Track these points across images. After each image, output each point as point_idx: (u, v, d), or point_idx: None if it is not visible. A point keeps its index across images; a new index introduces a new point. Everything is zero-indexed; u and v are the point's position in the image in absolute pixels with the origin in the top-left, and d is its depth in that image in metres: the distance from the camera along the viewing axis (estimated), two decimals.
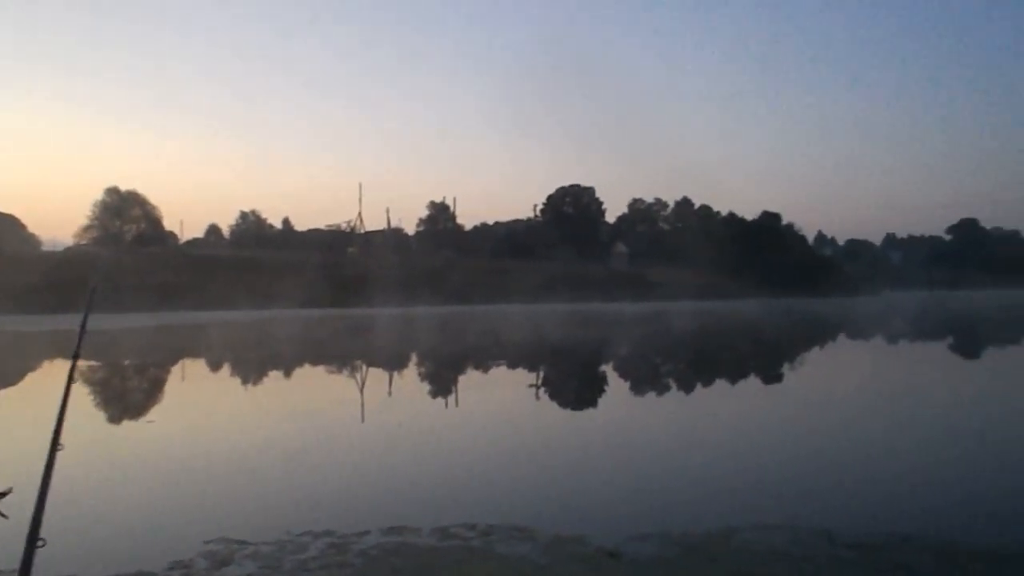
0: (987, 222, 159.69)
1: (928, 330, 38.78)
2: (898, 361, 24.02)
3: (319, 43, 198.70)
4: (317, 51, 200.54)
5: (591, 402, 15.81)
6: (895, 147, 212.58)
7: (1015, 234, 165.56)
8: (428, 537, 6.28)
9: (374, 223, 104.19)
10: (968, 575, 5.36)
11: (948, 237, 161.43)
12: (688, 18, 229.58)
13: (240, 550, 6.01)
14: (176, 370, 22.77)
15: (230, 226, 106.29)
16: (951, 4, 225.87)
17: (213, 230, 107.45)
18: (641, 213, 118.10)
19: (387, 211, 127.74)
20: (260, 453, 10.01)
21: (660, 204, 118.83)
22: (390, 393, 16.83)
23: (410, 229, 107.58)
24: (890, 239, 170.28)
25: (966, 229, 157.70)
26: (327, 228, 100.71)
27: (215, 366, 23.38)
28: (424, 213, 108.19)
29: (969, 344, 30.26)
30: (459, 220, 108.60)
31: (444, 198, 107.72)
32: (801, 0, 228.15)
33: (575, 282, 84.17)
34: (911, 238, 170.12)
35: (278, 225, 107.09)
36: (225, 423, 12.87)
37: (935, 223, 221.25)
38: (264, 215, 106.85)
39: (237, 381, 19.79)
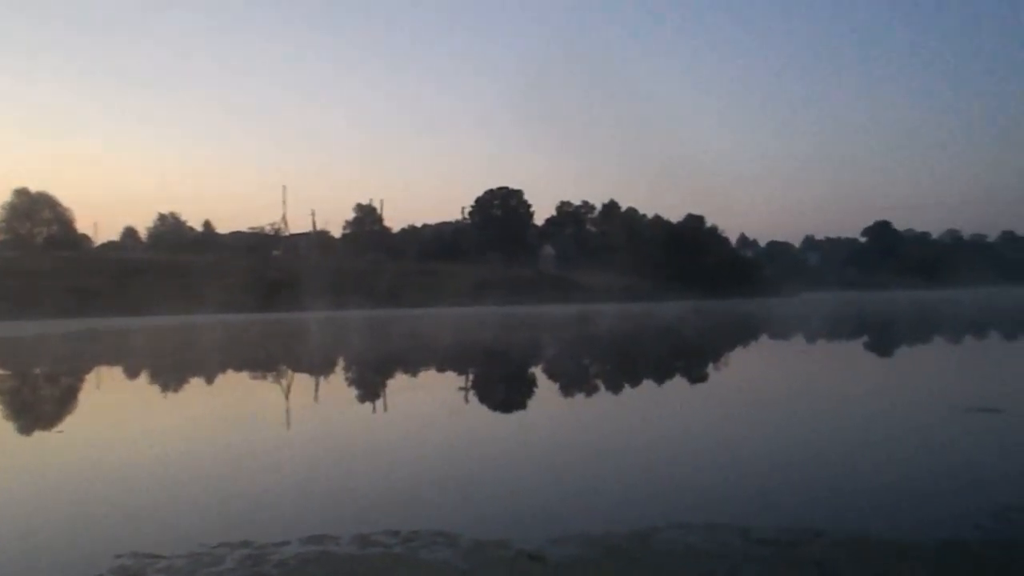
0: (900, 224, 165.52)
1: (843, 330, 39.96)
2: (813, 360, 24.67)
3: (237, 40, 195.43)
4: (236, 49, 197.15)
5: (517, 405, 15.84)
6: (812, 151, 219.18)
7: (926, 236, 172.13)
8: (349, 545, 6.19)
9: (299, 226, 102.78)
10: (877, 567, 5.52)
11: (863, 239, 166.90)
12: (610, 19, 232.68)
13: (153, 564, 5.83)
14: (90, 378, 22.03)
15: (148, 228, 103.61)
16: (859, 8, 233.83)
17: (130, 233, 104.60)
18: (569, 216, 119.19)
19: (312, 213, 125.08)
20: (175, 463, 9.74)
21: (587, 207, 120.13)
22: (316, 399, 16.57)
23: (336, 231, 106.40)
24: (808, 241, 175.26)
25: (880, 231, 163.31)
26: (250, 231, 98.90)
27: (132, 373, 22.69)
28: (351, 215, 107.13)
29: (881, 343, 31.27)
30: (386, 222, 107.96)
31: (371, 200, 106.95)
32: (719, 6, 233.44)
33: (504, 285, 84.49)
34: (828, 240, 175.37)
35: (198, 228, 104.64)
36: (139, 432, 12.48)
37: (851, 225, 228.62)
38: (184, 217, 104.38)
39: (154, 389, 19.24)
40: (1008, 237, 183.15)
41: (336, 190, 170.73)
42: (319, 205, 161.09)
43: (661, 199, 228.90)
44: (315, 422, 13.35)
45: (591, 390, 17.47)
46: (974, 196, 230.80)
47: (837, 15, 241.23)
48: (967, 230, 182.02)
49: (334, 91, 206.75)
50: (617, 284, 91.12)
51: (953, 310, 58.09)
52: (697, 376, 20.07)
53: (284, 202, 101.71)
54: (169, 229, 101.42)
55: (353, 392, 18.17)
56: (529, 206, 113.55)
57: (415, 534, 6.39)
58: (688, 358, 25.66)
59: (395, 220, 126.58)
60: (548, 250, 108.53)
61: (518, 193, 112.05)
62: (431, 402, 15.34)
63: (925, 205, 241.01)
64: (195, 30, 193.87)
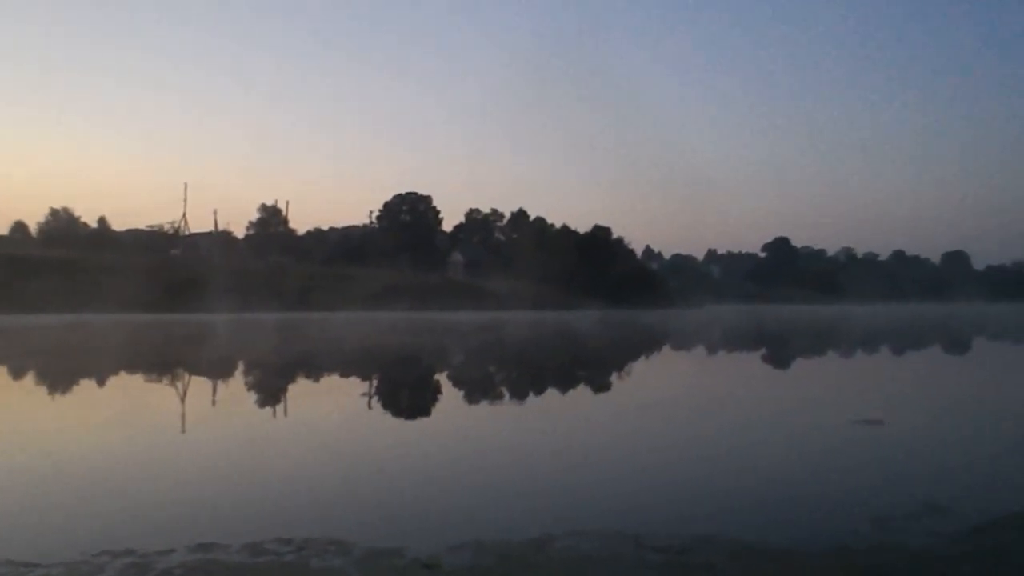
0: (797, 241, 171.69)
1: (740, 342, 41.16)
2: (710, 371, 25.32)
3: (136, 31, 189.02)
4: (135, 41, 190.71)
5: (419, 412, 15.76)
6: (714, 165, 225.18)
7: (822, 253, 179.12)
8: (238, 554, 6.03)
9: (200, 225, 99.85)
10: (761, 573, 5.69)
11: (763, 254, 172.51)
12: (518, 27, 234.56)
13: (27, 573, 5.57)
14: None
15: (39, 224, 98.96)
16: (748, 29, 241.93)
17: (19, 227, 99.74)
18: (478, 223, 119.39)
19: (214, 213, 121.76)
20: (56, 468, 9.32)
21: (496, 215, 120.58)
22: (213, 403, 16.12)
23: (239, 232, 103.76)
24: (711, 254, 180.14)
25: (779, 247, 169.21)
26: (148, 229, 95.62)
27: (16, 374, 21.65)
28: (254, 216, 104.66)
29: (775, 355, 32.32)
30: (291, 224, 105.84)
31: (276, 201, 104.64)
32: (623, 22, 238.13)
33: (413, 290, 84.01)
34: (730, 254, 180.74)
35: (93, 224, 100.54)
36: (17, 436, 11.90)
37: (751, 241, 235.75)
38: (78, 213, 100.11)
39: (37, 391, 18.40)
40: (898, 256, 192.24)
41: (239, 190, 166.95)
42: (221, 205, 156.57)
43: (569, 209, 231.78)
44: (209, 427, 12.99)
45: (493, 398, 17.50)
46: (868, 216, 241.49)
47: (731, 34, 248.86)
48: (861, 248, 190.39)
49: (236, 88, 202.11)
50: (526, 292, 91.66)
51: (845, 325, 60.51)
52: (598, 385, 20.34)
53: (185, 200, 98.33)
54: (62, 225, 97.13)
55: (252, 396, 17.72)
56: (438, 212, 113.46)
57: (308, 542, 6.28)
58: (591, 367, 26.00)
59: (300, 222, 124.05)
60: (457, 256, 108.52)
61: (427, 199, 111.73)
62: (332, 408, 15.12)
63: (822, 223, 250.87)
64: (90, 16, 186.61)
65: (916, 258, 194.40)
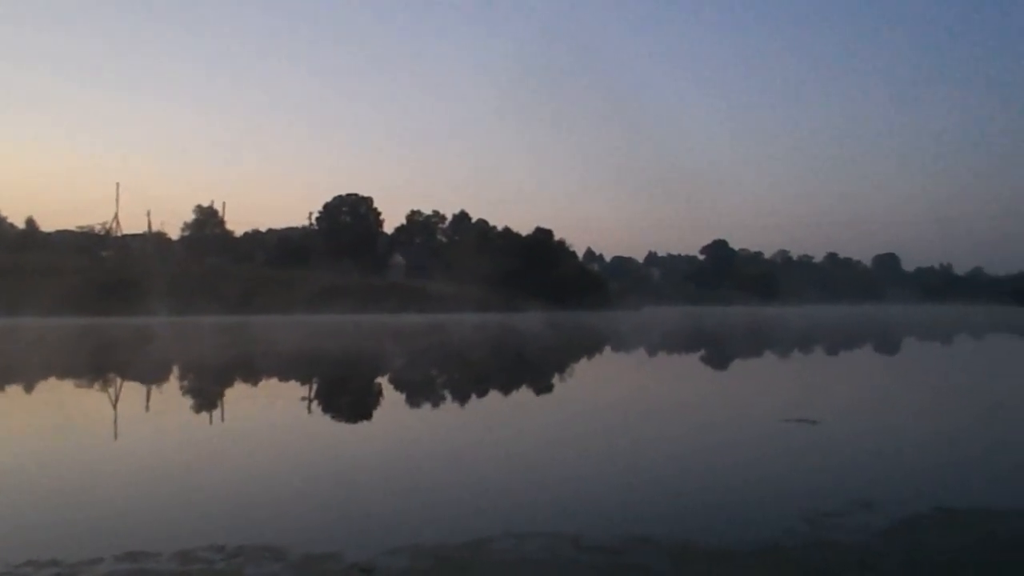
0: (735, 244, 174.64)
1: (679, 343, 41.69)
2: (648, 372, 25.59)
3: (68, 23, 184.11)
4: (65, 32, 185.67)
5: (358, 415, 15.62)
6: (653, 170, 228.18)
7: (759, 255, 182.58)
8: (169, 562, 5.89)
9: (133, 226, 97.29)
10: (697, 573, 5.75)
11: (702, 257, 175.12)
12: (467, 32, 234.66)
13: None
14: None
15: None
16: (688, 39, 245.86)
17: None
18: (419, 225, 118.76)
19: (148, 214, 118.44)
20: None
21: (438, 216, 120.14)
22: (146, 409, 15.74)
23: (174, 233, 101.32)
24: (651, 257, 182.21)
25: (717, 249, 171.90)
26: (79, 230, 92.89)
27: None
28: (190, 217, 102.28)
29: (713, 356, 32.81)
30: (229, 226, 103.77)
31: (212, 202, 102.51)
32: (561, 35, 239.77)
33: (354, 293, 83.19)
34: (670, 256, 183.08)
35: (21, 225, 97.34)
36: None
37: (690, 243, 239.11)
38: (4, 213, 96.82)
39: None
40: (832, 258, 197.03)
41: (174, 190, 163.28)
42: (155, 205, 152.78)
43: (511, 212, 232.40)
44: (142, 433, 12.68)
45: (431, 401, 17.42)
46: (803, 219, 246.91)
47: (673, 34, 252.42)
48: (796, 251, 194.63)
49: (170, 86, 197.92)
50: (468, 294, 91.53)
51: (780, 326, 61.75)
52: (538, 388, 20.40)
53: (117, 200, 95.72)
54: None
55: (187, 401, 17.34)
56: (379, 214, 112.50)
57: (241, 549, 6.16)
58: (533, 370, 26.06)
59: (238, 223, 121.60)
60: (398, 259, 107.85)
61: (368, 200, 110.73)
62: (268, 412, 14.89)
63: (758, 226, 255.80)
64: (15, 6, 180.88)
65: (849, 260, 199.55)
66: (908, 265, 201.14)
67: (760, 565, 5.90)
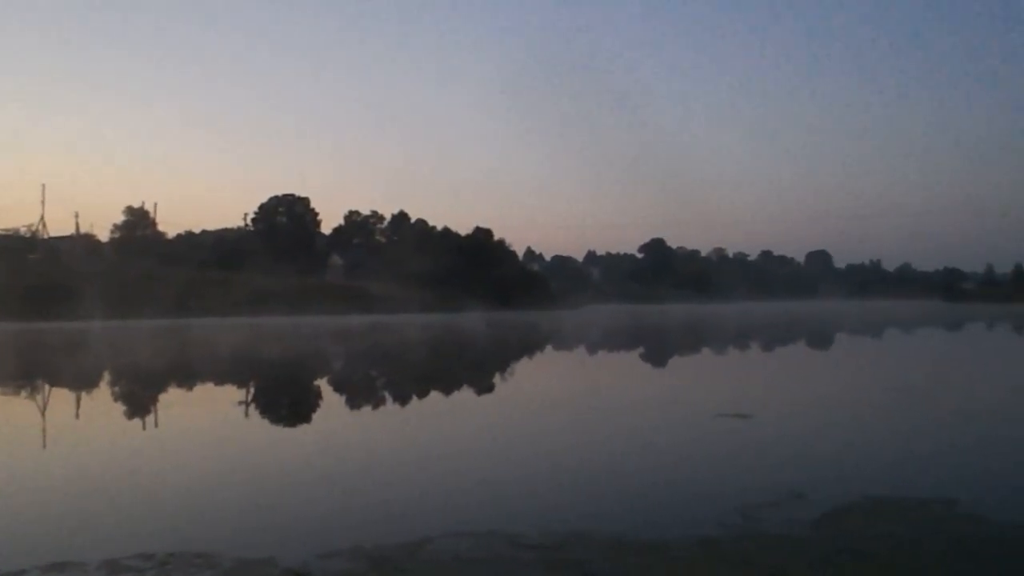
0: (673, 242, 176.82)
1: (618, 341, 42.10)
2: (588, 370, 25.78)
3: None
4: None
5: (293, 418, 15.44)
6: (589, 169, 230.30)
7: (696, 253, 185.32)
8: (96, 571, 5.75)
9: (60, 228, 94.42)
10: (633, 567, 5.81)
11: (640, 255, 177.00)
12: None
13: None
14: None
15: None
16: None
17: None
18: (357, 225, 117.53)
19: (76, 216, 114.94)
20: None
21: (377, 217, 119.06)
22: (76, 416, 15.32)
23: (103, 235, 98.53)
24: (591, 256, 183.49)
25: (656, 248, 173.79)
26: (2, 232, 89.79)
27: None
28: (120, 218, 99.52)
29: (650, 353, 33.23)
30: (161, 227, 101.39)
31: (143, 203, 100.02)
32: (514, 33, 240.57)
33: (292, 294, 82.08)
34: (609, 255, 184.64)
35: None
36: None
37: (630, 242, 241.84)
38: None
39: None
40: (766, 255, 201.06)
41: (102, 192, 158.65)
42: (83, 207, 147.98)
43: (450, 211, 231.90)
44: (70, 441, 12.33)
45: (369, 402, 17.32)
46: (737, 217, 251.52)
47: (607, 31, 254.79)
48: (731, 248, 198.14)
49: (98, 83, 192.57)
50: (408, 295, 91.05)
51: (716, 323, 62.77)
52: (476, 387, 20.40)
53: (43, 202, 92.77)
54: None
55: (118, 408, 16.91)
56: (316, 214, 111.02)
57: (171, 556, 6.03)
58: (472, 369, 26.04)
59: (170, 225, 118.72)
60: (336, 260, 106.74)
61: (304, 200, 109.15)
62: (203, 417, 14.62)
63: (695, 224, 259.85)
64: None
65: (783, 257, 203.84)
66: (839, 262, 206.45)
67: (694, 557, 5.99)
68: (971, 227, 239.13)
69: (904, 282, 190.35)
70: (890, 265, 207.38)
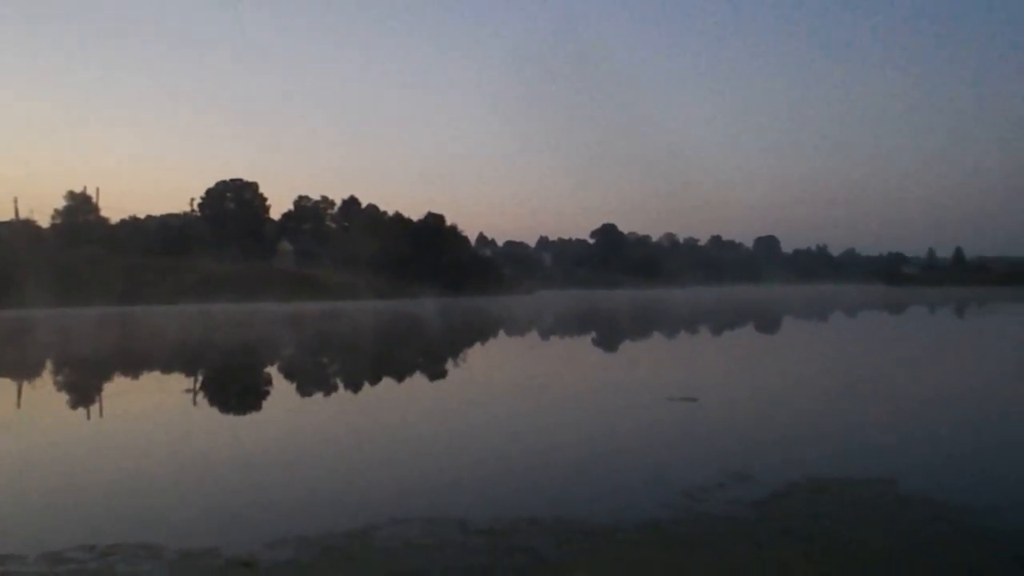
0: (624, 227, 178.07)
1: (570, 326, 42.33)
2: (538, 355, 25.86)
3: None
4: None
5: (239, 407, 15.27)
6: (543, 154, 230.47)
7: (647, 239, 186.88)
8: (36, 564, 5.64)
9: None
10: (581, 551, 5.87)
11: (592, 240, 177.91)
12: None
13: None
14: None
15: None
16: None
17: None
18: (307, 211, 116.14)
19: (15, 201, 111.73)
20: None
21: (327, 202, 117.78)
22: (19, 404, 14.94)
23: (44, 221, 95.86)
24: (543, 242, 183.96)
25: (607, 233, 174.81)
26: None
27: None
28: (61, 204, 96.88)
29: (600, 338, 33.47)
30: (104, 213, 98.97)
31: (85, 188, 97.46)
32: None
33: (241, 281, 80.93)
34: (561, 241, 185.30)
35: None
36: None
37: (581, 227, 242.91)
38: None
39: None
40: (716, 241, 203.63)
41: (42, 176, 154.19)
42: (22, 192, 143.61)
43: (401, 196, 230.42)
44: (7, 431, 12.00)
45: (317, 390, 17.18)
46: (688, 203, 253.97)
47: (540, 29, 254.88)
48: (682, 234, 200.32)
49: (36, 67, 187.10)
50: (359, 281, 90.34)
51: (667, 307, 63.44)
52: (429, 373, 20.37)
53: None
54: None
55: (61, 397, 16.53)
56: (265, 199, 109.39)
57: (114, 547, 5.93)
58: (424, 356, 25.97)
59: (113, 210, 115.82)
60: (286, 246, 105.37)
61: (253, 185, 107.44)
62: (148, 406, 14.36)
63: (646, 211, 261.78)
64: None
65: (732, 243, 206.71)
66: (787, 247, 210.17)
67: (641, 540, 6.07)
68: (914, 213, 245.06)
69: (848, 267, 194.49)
70: (836, 250, 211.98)
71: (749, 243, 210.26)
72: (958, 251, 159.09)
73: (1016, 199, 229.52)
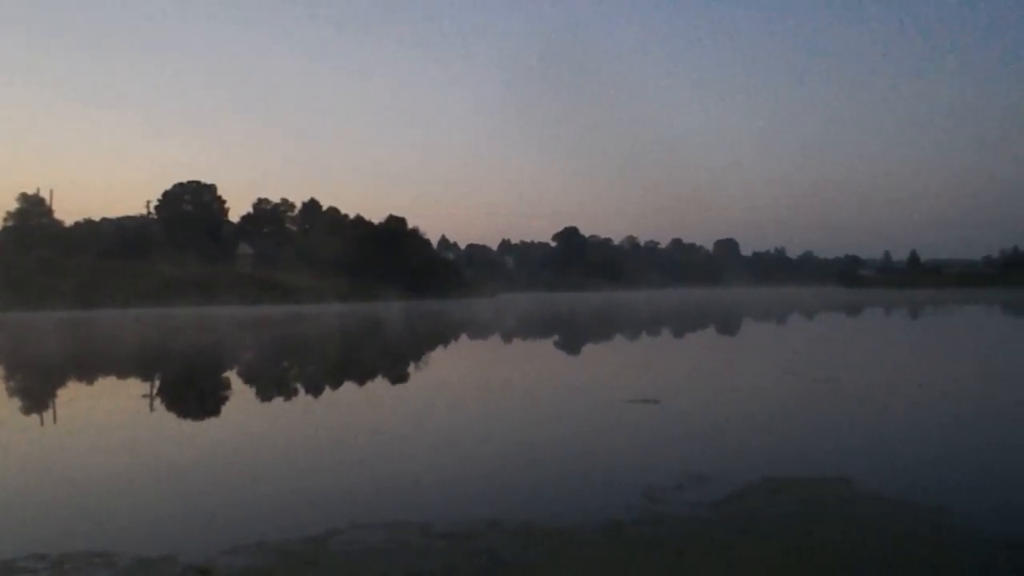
0: (586, 231, 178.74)
1: (532, 329, 42.40)
2: (500, 358, 25.86)
3: None
4: None
5: (196, 412, 15.04)
6: (504, 157, 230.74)
7: (608, 242, 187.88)
8: None
9: None
10: (541, 553, 5.88)
11: (554, 243, 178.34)
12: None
13: None
14: None
15: None
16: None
17: None
18: (267, 213, 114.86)
19: None
20: None
21: (287, 205, 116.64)
22: None
23: None
24: (505, 245, 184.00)
25: (569, 236, 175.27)
26: None
27: None
28: (13, 206, 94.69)
29: (562, 340, 33.56)
30: (58, 215, 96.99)
31: (38, 189, 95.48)
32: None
33: (199, 285, 79.91)
34: (523, 244, 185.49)
35: None
36: None
37: (543, 230, 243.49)
38: None
39: None
40: (677, 243, 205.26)
41: None
42: None
43: (363, 199, 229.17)
44: None
45: (278, 394, 17.02)
46: (649, 206, 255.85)
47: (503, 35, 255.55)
48: (643, 237, 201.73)
49: None
50: (321, 284, 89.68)
51: (629, 310, 63.78)
52: (391, 376, 20.29)
53: None
54: None
55: (13, 403, 16.13)
56: (224, 202, 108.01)
57: (67, 556, 5.82)
58: (387, 359, 25.85)
59: (67, 213, 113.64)
60: (245, 249, 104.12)
61: (211, 188, 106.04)
62: (104, 412, 14.09)
63: (607, 214, 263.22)
64: None
65: (692, 245, 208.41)
66: (746, 250, 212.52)
67: (598, 542, 6.10)
68: (870, 216, 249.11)
69: (807, 269, 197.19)
70: (794, 253, 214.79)
71: (709, 246, 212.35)
72: (913, 254, 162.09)
73: (968, 203, 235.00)
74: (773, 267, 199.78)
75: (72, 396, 16.89)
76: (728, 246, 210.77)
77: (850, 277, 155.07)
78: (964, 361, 21.59)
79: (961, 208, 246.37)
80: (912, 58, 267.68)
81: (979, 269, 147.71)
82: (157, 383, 19.78)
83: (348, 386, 18.41)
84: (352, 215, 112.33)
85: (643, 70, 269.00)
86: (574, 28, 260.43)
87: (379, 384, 18.88)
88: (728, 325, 41.88)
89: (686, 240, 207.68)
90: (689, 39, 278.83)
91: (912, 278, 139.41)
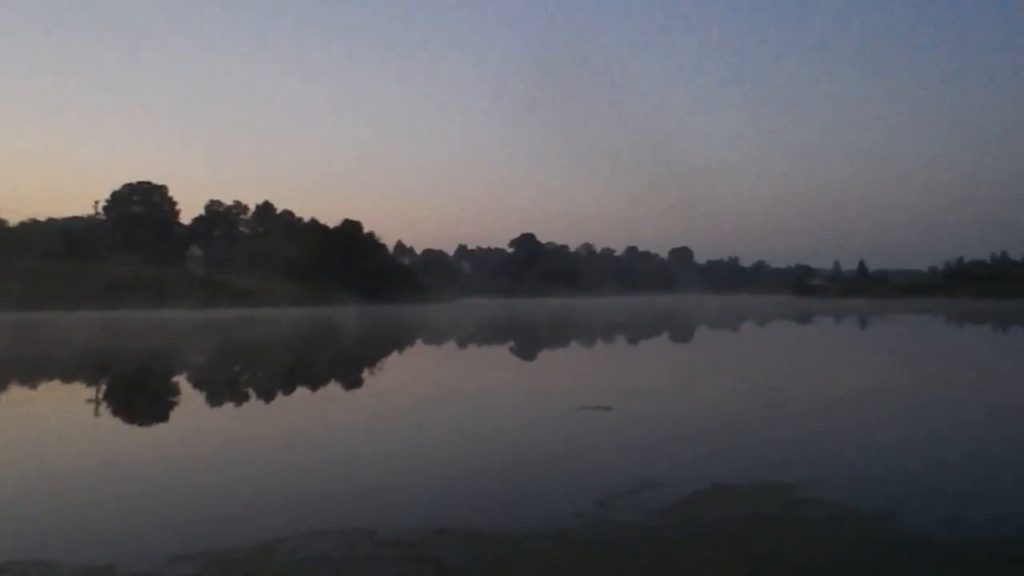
0: (542, 237, 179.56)
1: (484, 335, 42.34)
2: (453, 364, 25.77)
3: None
4: None
5: (140, 418, 14.76)
6: (460, 163, 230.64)
7: (565, 248, 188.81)
8: None
9: None
10: (490, 560, 5.87)
11: (511, 249, 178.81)
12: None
13: None
14: None
15: None
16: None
17: None
18: (219, 216, 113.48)
19: None
20: None
21: (240, 207, 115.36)
22: None
23: None
24: (461, 250, 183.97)
25: (526, 243, 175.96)
26: None
27: None
28: None
29: (516, 347, 33.58)
30: (2, 215, 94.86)
31: None
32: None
33: (149, 287, 78.57)
34: (480, 249, 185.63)
35: None
36: None
37: (500, 237, 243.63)
38: None
39: None
40: (632, 251, 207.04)
41: None
42: None
43: (317, 202, 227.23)
44: None
45: (226, 400, 16.74)
46: (605, 214, 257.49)
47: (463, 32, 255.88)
48: (599, 244, 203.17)
49: None
50: (274, 288, 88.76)
51: (584, 316, 64.08)
52: (342, 382, 20.11)
53: None
54: None
55: None
56: (175, 203, 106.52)
57: (6, 565, 5.68)
58: (338, 364, 25.64)
59: (11, 212, 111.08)
60: (196, 251, 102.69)
61: (162, 189, 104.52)
62: (44, 417, 13.76)
63: (564, 220, 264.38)
64: None
65: (647, 253, 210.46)
66: (700, 258, 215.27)
67: (551, 549, 6.11)
68: (821, 227, 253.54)
69: (760, 278, 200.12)
70: (746, 262, 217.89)
71: (664, 254, 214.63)
72: (861, 264, 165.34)
73: (915, 217, 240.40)
74: (727, 275, 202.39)
75: (12, 400, 16.45)
76: (682, 254, 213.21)
77: (801, 286, 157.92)
78: (912, 369, 22.04)
79: (908, 221, 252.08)
80: (866, 68, 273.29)
81: (924, 279, 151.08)
82: (102, 388, 19.37)
83: (300, 392, 18.21)
84: (307, 218, 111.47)
85: (605, 76, 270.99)
86: (534, 39, 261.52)
87: (330, 390, 18.68)
88: (681, 332, 42.27)
89: (641, 248, 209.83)
90: (647, 42, 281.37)
91: (861, 287, 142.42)
